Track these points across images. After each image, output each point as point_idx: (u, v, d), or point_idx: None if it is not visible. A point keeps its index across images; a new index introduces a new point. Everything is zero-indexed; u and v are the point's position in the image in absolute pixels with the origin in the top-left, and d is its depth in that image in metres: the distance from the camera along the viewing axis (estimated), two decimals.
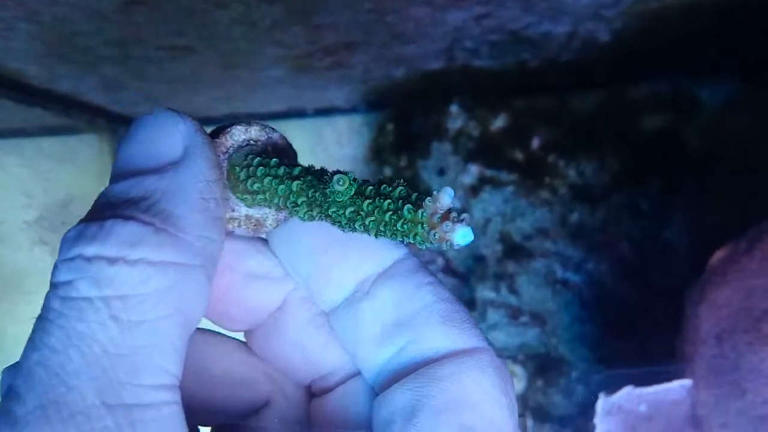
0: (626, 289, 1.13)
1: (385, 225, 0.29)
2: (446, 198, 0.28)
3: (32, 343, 0.26)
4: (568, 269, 1.14)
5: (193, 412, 0.33)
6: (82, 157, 1.40)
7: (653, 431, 0.90)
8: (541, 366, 1.16)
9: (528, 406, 1.16)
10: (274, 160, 0.32)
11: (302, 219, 0.31)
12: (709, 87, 1.21)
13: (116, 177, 0.30)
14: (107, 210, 0.28)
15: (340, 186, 0.29)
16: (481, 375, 0.30)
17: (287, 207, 0.32)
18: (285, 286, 0.35)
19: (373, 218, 0.29)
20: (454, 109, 1.17)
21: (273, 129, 0.35)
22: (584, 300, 1.14)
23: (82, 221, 0.28)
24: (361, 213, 0.29)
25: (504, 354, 1.19)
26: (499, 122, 1.18)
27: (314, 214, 0.31)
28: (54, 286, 0.27)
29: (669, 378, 0.91)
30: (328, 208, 0.30)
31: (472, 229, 0.28)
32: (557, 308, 1.14)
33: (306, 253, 0.33)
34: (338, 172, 0.31)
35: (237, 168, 0.33)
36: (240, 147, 0.33)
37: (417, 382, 0.30)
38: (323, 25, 0.96)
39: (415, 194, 0.29)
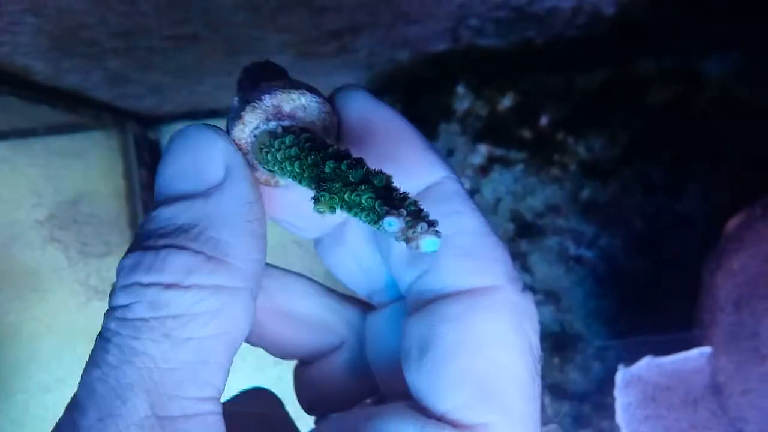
0: (641, 263, 1.12)
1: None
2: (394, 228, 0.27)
3: (93, 360, 0.28)
4: (582, 245, 1.14)
5: (275, 349, 0.38)
6: (91, 154, 1.41)
7: (673, 400, 0.90)
8: (557, 343, 1.16)
9: (545, 384, 1.15)
10: (288, 137, 0.32)
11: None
12: (714, 60, 1.21)
13: (161, 200, 0.31)
14: (160, 239, 0.29)
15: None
16: (492, 316, 0.30)
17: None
18: None
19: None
20: (460, 89, 1.17)
21: (291, 86, 0.34)
22: (599, 276, 1.13)
23: (136, 249, 0.29)
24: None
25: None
26: (506, 101, 1.18)
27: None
28: (112, 309, 0.29)
29: (688, 348, 0.91)
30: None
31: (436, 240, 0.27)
32: (571, 285, 1.14)
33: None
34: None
35: (262, 150, 0.33)
36: (254, 133, 0.33)
37: (430, 318, 0.31)
38: (328, 7, 0.96)
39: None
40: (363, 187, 0.28)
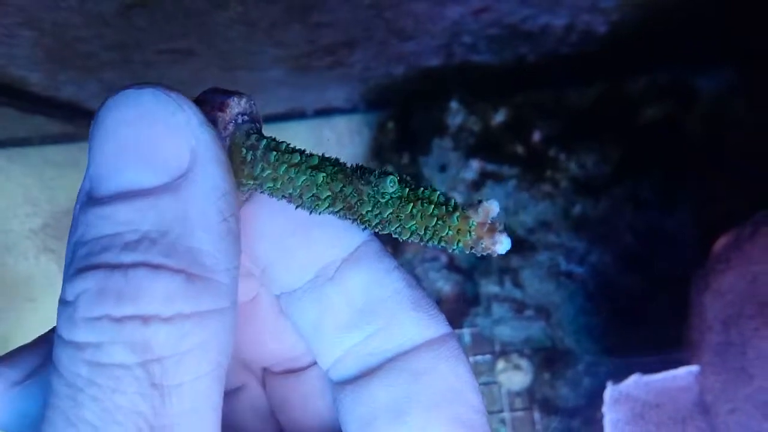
0: (631, 279, 1.13)
1: (428, 230, 0.28)
2: (495, 209, 0.28)
3: (63, 415, 0.23)
4: (572, 261, 1.14)
5: None
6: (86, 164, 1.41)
7: (661, 418, 0.90)
8: (548, 359, 1.16)
9: (535, 399, 1.16)
10: (284, 143, 0.29)
11: (314, 212, 0.29)
12: (707, 76, 1.21)
13: (110, 192, 0.24)
14: (125, 252, 0.23)
15: (390, 187, 0.28)
16: (456, 363, 0.30)
17: (303, 199, 0.29)
18: (257, 281, 0.33)
19: (414, 222, 0.28)
20: (453, 105, 1.18)
21: (249, 96, 0.30)
22: (589, 291, 1.14)
23: (92, 262, 0.23)
24: (400, 216, 0.28)
25: (510, 348, 1.19)
26: (499, 117, 1.18)
27: (337, 209, 0.29)
28: (76, 346, 0.23)
29: (676, 366, 0.91)
30: (360, 207, 0.28)
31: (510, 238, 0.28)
32: (562, 300, 1.14)
33: (270, 238, 0.31)
34: (368, 168, 0.29)
35: (244, 149, 0.29)
36: (235, 122, 0.29)
37: (399, 378, 0.29)
38: (322, 24, 0.97)
39: (453, 200, 0.28)
40: (458, 215, 0.28)
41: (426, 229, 0.28)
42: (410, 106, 1.22)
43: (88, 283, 0.23)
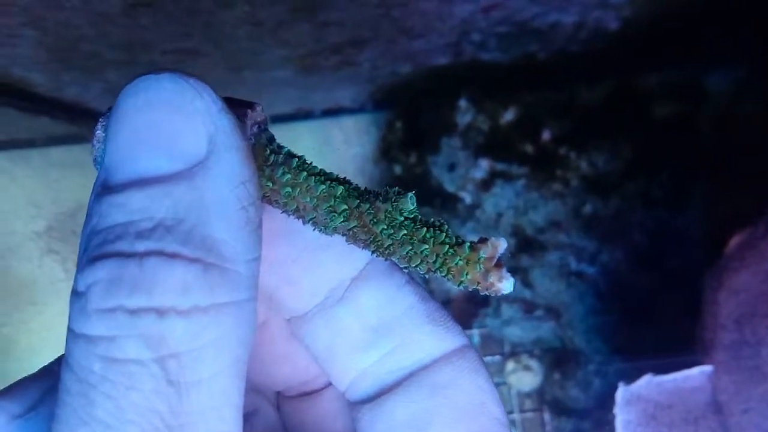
0: (642, 278, 1.12)
1: (438, 257, 0.27)
2: (503, 245, 0.28)
3: (76, 413, 0.22)
4: (583, 261, 1.13)
5: None
6: (90, 165, 1.40)
7: (674, 419, 0.89)
8: (558, 359, 1.15)
9: (545, 400, 1.15)
10: (303, 156, 0.28)
11: (325, 229, 0.28)
12: (718, 75, 1.21)
13: (125, 179, 0.23)
14: (139, 240, 0.22)
15: (410, 205, 0.27)
16: (476, 375, 0.29)
17: (317, 211, 0.28)
18: (265, 306, 0.32)
19: (427, 247, 0.27)
20: (462, 103, 1.17)
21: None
22: (599, 291, 1.13)
23: (106, 251, 0.23)
24: (413, 239, 0.27)
25: (519, 349, 1.18)
26: (508, 116, 1.17)
27: (351, 226, 0.28)
28: (88, 339, 0.22)
29: (688, 366, 0.91)
30: (375, 225, 0.27)
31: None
32: (572, 300, 1.14)
33: (274, 265, 0.29)
34: (387, 189, 0.28)
35: (268, 150, 0.28)
36: (259, 126, 0.28)
37: (418, 394, 0.28)
38: (330, 23, 0.96)
39: (455, 235, 0.28)
40: (463, 250, 0.27)
41: (437, 256, 0.28)
42: (419, 104, 1.22)
43: (100, 272, 0.22)
